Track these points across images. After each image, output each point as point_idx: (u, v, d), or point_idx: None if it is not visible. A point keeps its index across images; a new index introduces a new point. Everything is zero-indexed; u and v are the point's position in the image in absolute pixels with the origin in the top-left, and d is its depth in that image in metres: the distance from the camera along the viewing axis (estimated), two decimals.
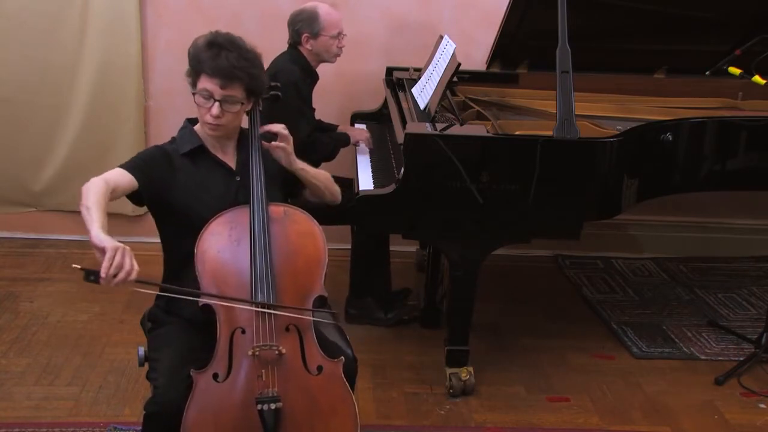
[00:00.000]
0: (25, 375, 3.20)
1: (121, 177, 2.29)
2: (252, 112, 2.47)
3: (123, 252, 2.01)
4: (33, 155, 4.31)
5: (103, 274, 1.98)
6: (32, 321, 3.62)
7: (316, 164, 3.71)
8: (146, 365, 2.34)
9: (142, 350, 2.36)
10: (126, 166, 2.33)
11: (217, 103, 2.32)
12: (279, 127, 2.45)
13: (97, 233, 2.04)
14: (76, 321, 3.64)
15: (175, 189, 2.38)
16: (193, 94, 2.35)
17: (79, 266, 2.00)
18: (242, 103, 2.37)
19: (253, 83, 2.36)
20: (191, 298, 2.23)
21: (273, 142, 2.44)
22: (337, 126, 3.93)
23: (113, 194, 2.24)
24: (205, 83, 2.31)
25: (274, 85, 2.62)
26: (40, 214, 4.45)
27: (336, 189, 2.66)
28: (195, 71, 2.34)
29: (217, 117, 2.33)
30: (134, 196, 2.36)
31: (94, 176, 2.27)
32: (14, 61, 4.16)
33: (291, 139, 2.47)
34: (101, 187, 2.20)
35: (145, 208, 2.48)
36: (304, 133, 3.57)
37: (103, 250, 2.00)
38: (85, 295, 3.86)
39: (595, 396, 3.29)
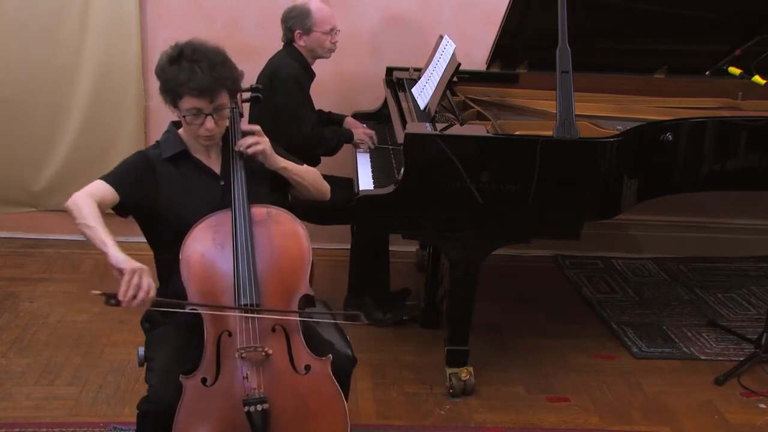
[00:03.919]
0: (25, 375, 3.20)
1: (104, 191, 2.26)
2: (231, 114, 2.42)
3: (140, 272, 2.06)
4: (33, 155, 4.31)
5: (120, 297, 2.04)
6: (32, 321, 3.62)
7: (317, 159, 3.72)
8: (146, 365, 2.34)
9: (142, 350, 2.37)
10: (107, 179, 2.30)
11: (209, 117, 2.28)
12: (254, 127, 2.42)
13: (114, 254, 2.09)
14: (76, 321, 3.64)
15: (158, 196, 2.35)
16: (179, 113, 2.30)
17: (98, 292, 2.07)
18: (229, 107, 2.34)
19: (233, 85, 2.33)
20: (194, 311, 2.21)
21: (247, 144, 2.37)
22: (345, 117, 3.91)
23: (98, 209, 2.21)
24: (192, 103, 2.25)
25: (255, 87, 2.59)
26: (40, 214, 4.45)
27: (324, 187, 2.61)
28: (175, 93, 2.26)
29: (212, 129, 2.30)
30: (118, 208, 2.32)
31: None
32: (14, 61, 4.16)
33: (267, 139, 2.42)
34: (91, 202, 2.18)
35: None
36: (308, 126, 3.56)
37: (121, 272, 2.05)
38: (85, 295, 3.86)
39: (595, 396, 3.29)
